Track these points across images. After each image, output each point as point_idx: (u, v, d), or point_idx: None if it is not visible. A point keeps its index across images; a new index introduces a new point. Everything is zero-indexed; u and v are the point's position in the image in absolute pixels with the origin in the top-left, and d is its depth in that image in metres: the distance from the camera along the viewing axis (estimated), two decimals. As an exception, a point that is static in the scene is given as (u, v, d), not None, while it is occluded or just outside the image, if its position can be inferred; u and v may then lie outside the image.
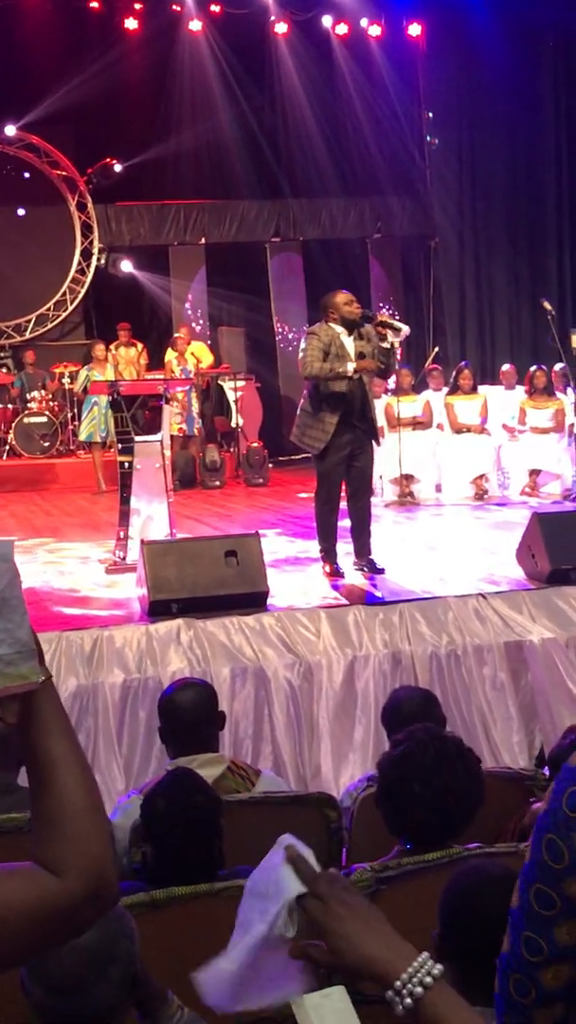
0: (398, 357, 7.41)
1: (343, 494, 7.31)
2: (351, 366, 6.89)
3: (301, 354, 7.07)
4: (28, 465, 13.58)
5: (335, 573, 7.14)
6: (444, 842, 2.88)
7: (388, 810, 3.00)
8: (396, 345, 7.07)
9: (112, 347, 13.80)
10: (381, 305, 16.08)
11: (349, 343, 6.98)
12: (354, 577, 7.18)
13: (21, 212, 15.43)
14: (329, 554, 7.23)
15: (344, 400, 6.93)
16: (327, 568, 7.20)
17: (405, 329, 7.05)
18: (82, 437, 13.10)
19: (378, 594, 6.66)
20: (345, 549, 7.43)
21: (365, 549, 7.30)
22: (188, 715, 3.77)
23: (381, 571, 7.19)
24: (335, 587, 6.93)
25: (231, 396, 13.80)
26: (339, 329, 7.01)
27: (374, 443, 7.31)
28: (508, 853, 2.73)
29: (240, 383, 13.79)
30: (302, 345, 7.15)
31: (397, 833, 2.99)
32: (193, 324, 14.95)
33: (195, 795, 3.01)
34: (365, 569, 7.22)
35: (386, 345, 6.96)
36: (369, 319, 7.07)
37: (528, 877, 1.61)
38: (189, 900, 2.71)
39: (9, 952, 1.32)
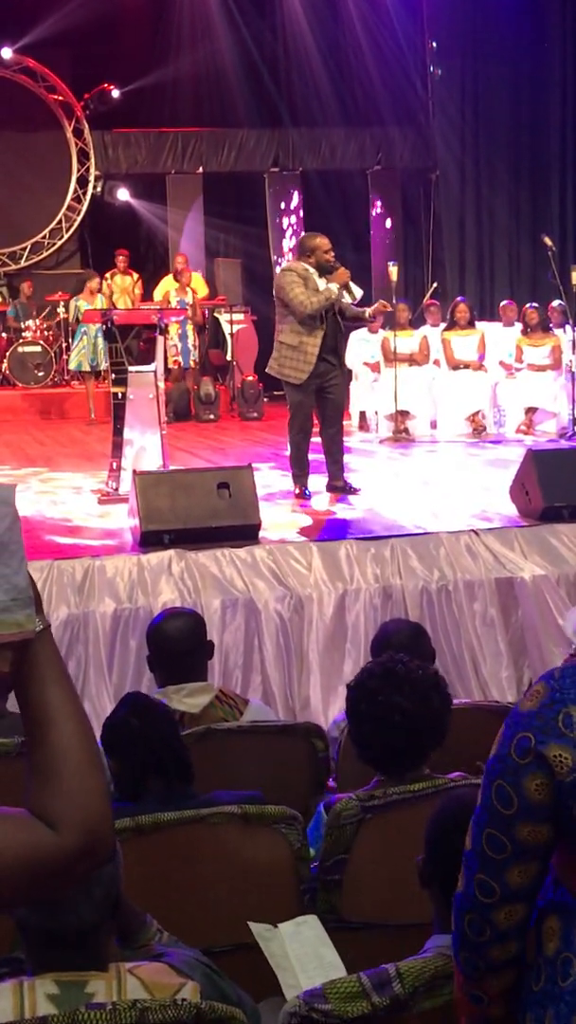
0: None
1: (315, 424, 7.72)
2: (333, 285, 7.28)
3: (280, 291, 7.40)
4: (22, 395, 13.51)
5: (302, 495, 7.53)
6: (406, 764, 2.88)
7: (352, 735, 3.03)
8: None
9: (108, 275, 13.65)
10: (388, 239, 15.93)
11: (321, 284, 7.34)
12: (322, 500, 7.55)
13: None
14: (299, 479, 7.62)
15: (323, 332, 7.30)
16: (296, 490, 7.60)
17: (358, 295, 7.49)
18: (71, 366, 13.08)
19: (344, 516, 7.07)
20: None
21: (339, 472, 7.72)
22: (176, 644, 3.78)
23: (356, 491, 7.64)
24: (303, 507, 7.36)
25: (227, 329, 13.69)
26: (312, 271, 7.36)
27: (364, 380, 7.73)
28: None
29: (236, 316, 13.67)
30: (280, 282, 7.50)
31: (360, 757, 3.01)
32: (188, 255, 14.77)
33: (154, 706, 3.08)
34: (341, 490, 7.63)
35: (348, 301, 7.44)
36: (331, 271, 7.37)
37: (479, 821, 1.64)
38: (174, 826, 2.72)
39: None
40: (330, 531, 6.61)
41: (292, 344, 7.34)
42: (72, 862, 1.31)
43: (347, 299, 7.41)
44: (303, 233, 7.74)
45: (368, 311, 7.77)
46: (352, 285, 7.44)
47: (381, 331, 11.49)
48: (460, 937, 1.68)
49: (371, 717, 2.88)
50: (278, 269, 15.47)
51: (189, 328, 12.82)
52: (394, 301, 11.61)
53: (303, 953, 2.54)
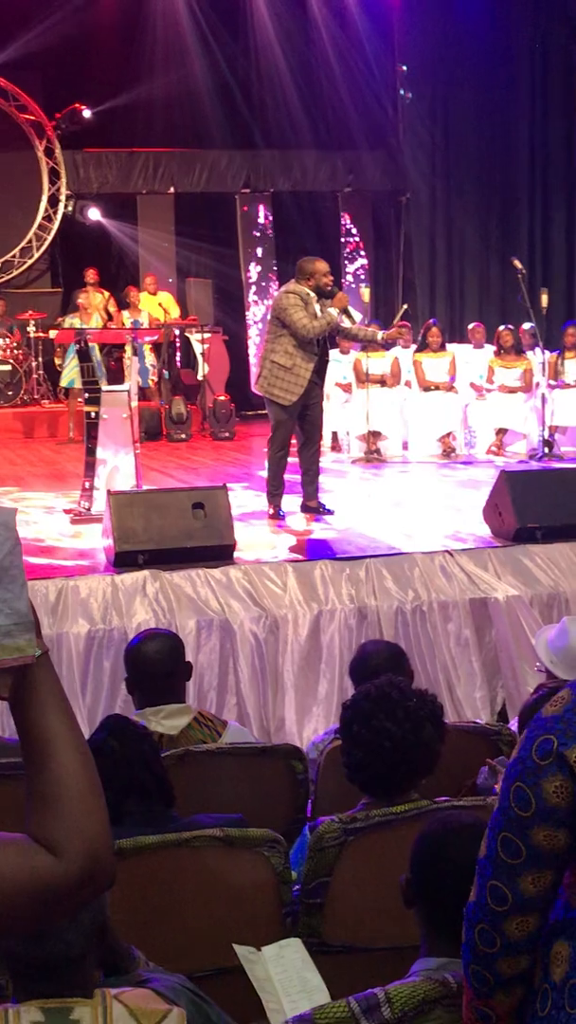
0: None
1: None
2: (334, 311, 7.38)
3: (283, 313, 7.36)
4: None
5: (276, 515, 7.58)
6: (392, 788, 2.88)
7: (343, 756, 3.02)
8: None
9: (79, 293, 13.62)
10: (353, 265, 16.00)
11: (318, 309, 7.42)
12: (297, 521, 7.59)
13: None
14: (274, 498, 7.66)
15: (318, 357, 7.44)
16: (271, 510, 7.63)
17: (357, 319, 7.79)
18: (63, 383, 13.02)
19: (320, 536, 7.15)
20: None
21: (314, 492, 7.80)
22: (155, 665, 3.76)
23: (330, 512, 7.69)
24: (279, 527, 7.42)
25: (198, 348, 13.69)
26: (312, 294, 7.44)
27: (338, 401, 7.83)
28: (477, 807, 2.75)
29: (207, 335, 13.68)
30: (281, 303, 7.45)
31: (350, 779, 3.00)
32: (154, 276, 14.77)
33: (134, 728, 3.06)
34: (315, 510, 7.70)
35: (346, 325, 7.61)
36: (330, 295, 7.45)
37: (495, 825, 1.63)
38: (156, 849, 2.70)
39: None
40: (305, 551, 6.61)
41: (286, 365, 7.37)
42: (74, 889, 1.29)
43: (346, 323, 7.54)
44: (303, 257, 7.81)
45: (382, 335, 8.04)
46: (351, 309, 7.60)
47: (353, 352, 11.52)
48: (470, 949, 1.67)
49: (362, 740, 2.87)
50: (280, 292, 15.57)
51: (146, 348, 12.80)
52: (366, 323, 11.68)
53: (286, 977, 2.53)
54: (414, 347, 11.80)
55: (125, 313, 13.21)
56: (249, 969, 2.52)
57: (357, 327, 7.63)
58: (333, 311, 7.36)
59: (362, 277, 15.86)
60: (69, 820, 1.29)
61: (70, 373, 12.64)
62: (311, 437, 7.69)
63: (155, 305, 13.57)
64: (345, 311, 7.50)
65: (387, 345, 11.27)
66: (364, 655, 3.94)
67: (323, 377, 7.67)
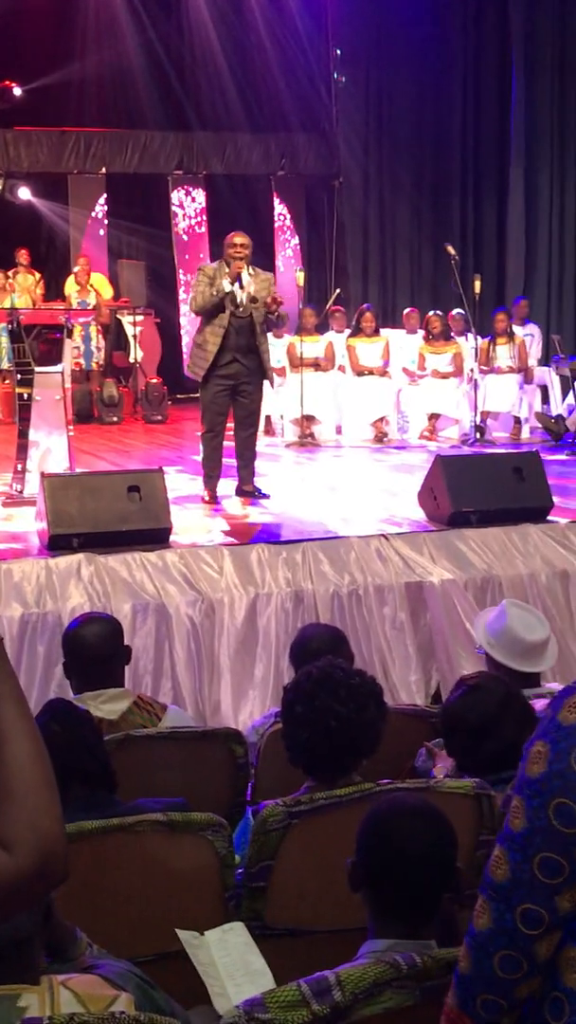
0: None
1: (229, 426, 7.71)
2: (226, 283, 7.26)
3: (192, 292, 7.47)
4: None
5: (212, 500, 7.51)
6: (336, 769, 2.89)
7: (284, 737, 3.01)
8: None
9: (10, 274, 13.44)
10: (287, 248, 15.96)
11: (239, 287, 7.30)
12: (233, 504, 7.54)
13: None
14: (208, 481, 7.60)
15: (226, 330, 7.27)
16: (206, 494, 7.56)
17: (246, 282, 7.36)
18: None
19: (255, 519, 7.12)
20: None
21: (249, 476, 7.73)
22: (94, 650, 3.73)
23: (265, 496, 7.64)
24: (214, 511, 7.34)
25: (130, 331, 13.58)
26: (226, 268, 7.35)
27: (267, 383, 7.71)
28: (420, 788, 2.76)
29: (140, 318, 13.58)
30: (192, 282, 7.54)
31: (292, 761, 3.00)
32: (91, 256, 14.63)
33: (76, 713, 3.05)
34: (250, 495, 7.65)
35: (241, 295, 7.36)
36: (254, 300, 7.35)
37: (525, 846, 1.53)
38: (99, 834, 2.68)
39: None
40: (241, 535, 6.59)
41: (198, 342, 7.44)
42: (26, 884, 1.27)
43: (239, 293, 7.31)
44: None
45: (225, 286, 7.41)
46: (244, 276, 7.35)
47: (287, 336, 11.51)
48: (486, 978, 1.57)
49: (306, 720, 2.87)
50: (179, 272, 15.47)
51: (92, 330, 12.71)
52: (300, 306, 11.67)
53: (230, 961, 2.52)
54: (348, 332, 11.82)
55: (73, 293, 13.05)
56: (192, 954, 2.51)
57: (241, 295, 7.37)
58: (225, 282, 7.28)
59: (295, 261, 15.83)
60: (22, 814, 1.26)
61: None
62: (244, 421, 7.62)
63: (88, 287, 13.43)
64: (236, 279, 7.31)
65: (286, 327, 11.25)
66: (304, 638, 3.94)
67: (261, 359, 7.48)
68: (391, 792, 2.60)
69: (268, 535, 6.56)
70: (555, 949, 1.56)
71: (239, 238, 7.45)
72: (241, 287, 7.31)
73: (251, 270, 7.43)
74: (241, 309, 7.31)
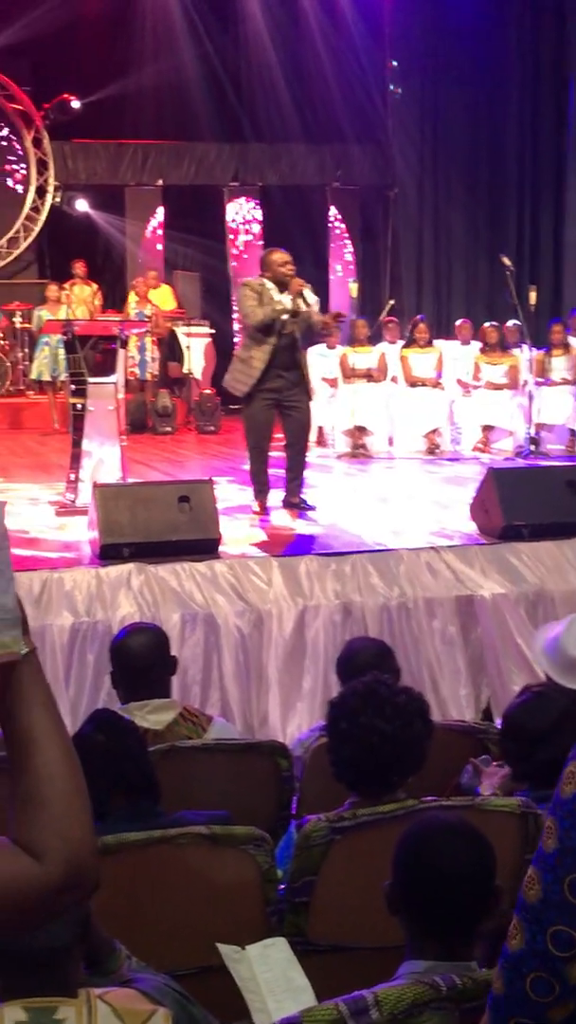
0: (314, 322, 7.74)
1: (274, 441, 7.69)
2: (287, 298, 7.26)
3: (238, 305, 7.63)
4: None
5: (262, 511, 7.51)
6: (380, 786, 2.86)
7: (330, 752, 3.00)
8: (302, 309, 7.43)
9: (67, 285, 13.57)
10: (341, 260, 15.97)
11: (279, 298, 7.31)
12: (282, 516, 7.51)
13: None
14: (258, 495, 7.62)
15: (274, 348, 7.28)
16: (256, 506, 7.57)
17: (312, 301, 7.40)
18: (32, 376, 13.03)
19: (305, 531, 7.10)
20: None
21: (297, 489, 7.71)
22: (140, 660, 3.73)
23: (311, 508, 7.62)
24: (262, 523, 7.33)
25: (184, 342, 13.65)
26: (270, 285, 7.36)
27: (320, 396, 7.69)
28: (464, 807, 2.73)
29: (194, 329, 13.64)
30: (237, 297, 7.53)
31: (337, 777, 2.98)
32: (147, 267, 14.73)
33: (121, 723, 3.05)
34: (296, 507, 7.62)
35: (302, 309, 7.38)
36: (287, 284, 7.35)
37: (557, 866, 1.51)
38: (141, 846, 2.67)
39: None
40: (290, 547, 6.58)
41: (242, 357, 7.42)
42: (56, 893, 1.26)
43: (303, 307, 7.36)
44: (267, 249, 7.73)
45: (286, 301, 7.37)
46: (307, 293, 7.40)
47: (339, 347, 11.50)
48: (518, 1000, 1.55)
49: (350, 737, 2.85)
50: (239, 285, 15.52)
51: (148, 341, 12.78)
52: (353, 317, 11.66)
53: (271, 976, 2.51)
54: (401, 342, 11.78)
55: (132, 304, 13.16)
56: (233, 968, 2.50)
57: (307, 311, 7.38)
58: (285, 298, 7.28)
59: (350, 272, 15.83)
60: (52, 823, 1.26)
61: (39, 366, 12.62)
62: (294, 435, 7.60)
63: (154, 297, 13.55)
64: (299, 295, 7.32)
65: (337, 337, 11.26)
66: (351, 652, 3.92)
67: (302, 374, 7.50)
68: (428, 811, 2.57)
69: (318, 547, 6.54)
70: None
71: (285, 256, 7.49)
72: (305, 303, 7.35)
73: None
74: (288, 321, 7.33)
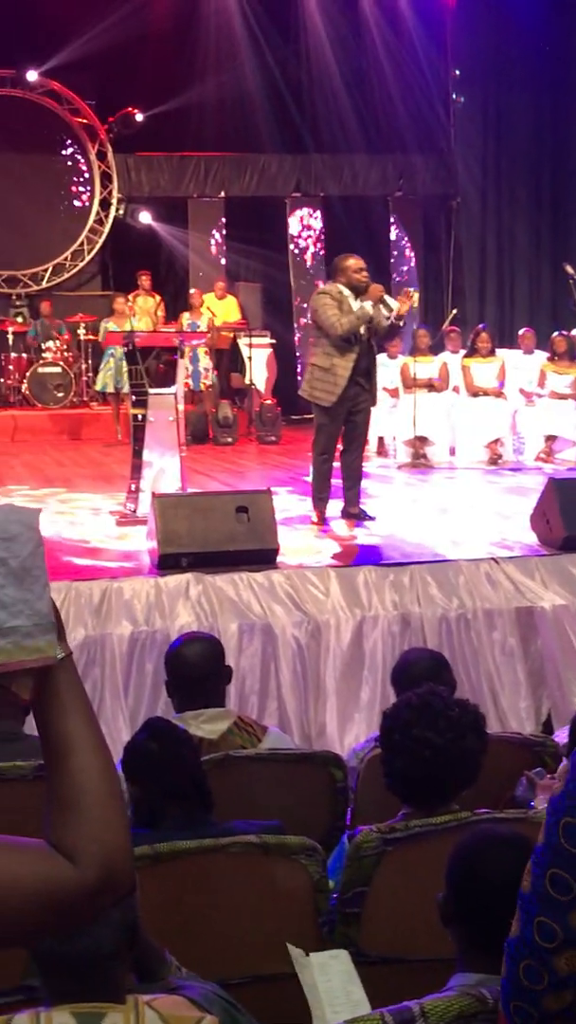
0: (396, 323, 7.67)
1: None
2: (368, 305, 7.24)
3: (315, 314, 7.45)
4: (42, 415, 13.53)
5: (321, 521, 7.51)
6: (433, 798, 2.84)
7: (383, 764, 2.99)
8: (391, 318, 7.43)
9: (130, 297, 13.69)
10: (403, 269, 15.95)
11: (356, 305, 7.30)
12: (340, 526, 7.52)
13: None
14: (319, 503, 7.59)
15: (357, 355, 7.27)
16: (315, 516, 7.56)
17: (394, 307, 7.39)
18: (97, 387, 13.18)
19: (363, 542, 7.10)
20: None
21: (355, 498, 7.69)
22: (195, 669, 3.75)
23: (371, 518, 7.59)
24: (323, 531, 7.35)
25: (245, 352, 13.71)
26: (347, 292, 7.33)
27: (383, 405, 7.70)
28: (518, 819, 2.71)
29: (256, 339, 13.69)
30: (314, 304, 7.51)
31: (390, 788, 2.97)
32: (208, 278, 14.82)
33: (175, 732, 3.06)
34: (356, 517, 7.60)
35: (385, 315, 7.35)
36: (363, 290, 7.34)
37: (542, 860, 1.56)
38: (193, 854, 2.68)
39: (12, 930, 1.27)
40: (349, 557, 6.58)
41: (324, 367, 7.34)
42: (90, 897, 1.27)
43: (384, 313, 7.34)
44: (336, 256, 7.74)
45: (392, 315, 7.43)
46: (387, 298, 7.40)
47: (401, 356, 11.48)
48: (513, 985, 1.60)
49: (403, 749, 2.84)
50: (314, 294, 15.54)
51: (200, 351, 12.81)
52: (415, 327, 11.63)
53: (331, 987, 2.51)
54: (463, 352, 11.73)
55: (185, 315, 13.25)
56: (299, 972, 2.50)
57: (381, 323, 7.34)
58: (367, 304, 7.26)
59: (411, 282, 15.80)
60: (87, 827, 1.27)
61: (104, 377, 12.74)
62: (354, 442, 7.62)
63: (214, 308, 13.62)
64: (380, 301, 7.32)
65: (400, 347, 11.24)
66: (406, 663, 3.90)
67: (373, 381, 7.53)
68: (482, 823, 2.55)
69: (376, 557, 6.53)
70: None
71: (360, 261, 7.48)
72: (388, 308, 7.33)
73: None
74: (364, 332, 7.31)
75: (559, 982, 1.55)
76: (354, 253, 7.75)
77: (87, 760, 1.29)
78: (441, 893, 2.17)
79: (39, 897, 1.25)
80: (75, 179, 15.39)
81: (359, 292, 7.31)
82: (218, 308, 13.78)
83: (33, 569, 1.27)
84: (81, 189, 15.40)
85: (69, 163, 15.40)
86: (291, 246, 15.73)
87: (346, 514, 7.65)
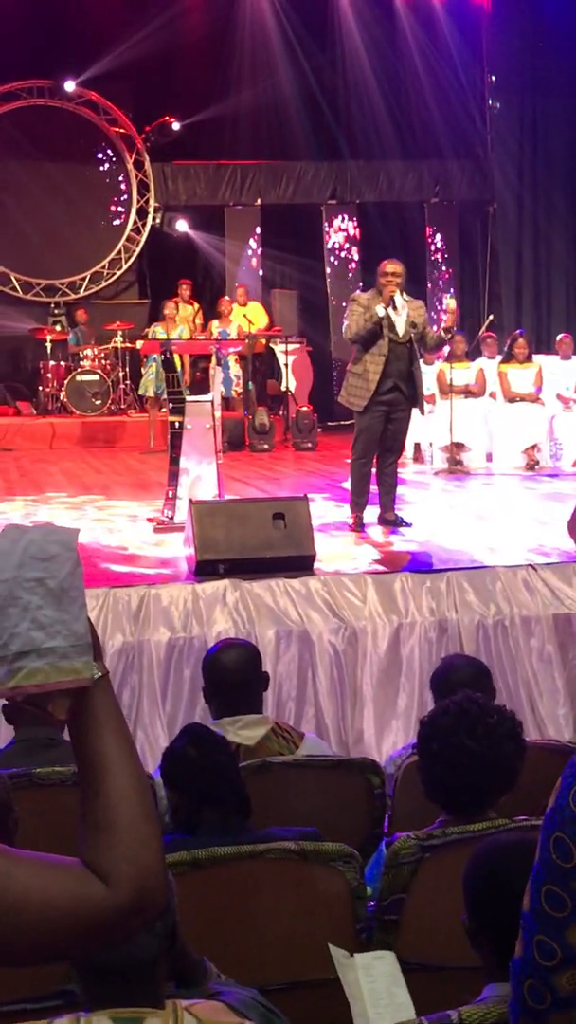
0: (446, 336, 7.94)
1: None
2: (379, 308, 7.23)
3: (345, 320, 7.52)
4: (79, 423, 13.62)
5: (358, 526, 7.51)
6: (471, 805, 2.84)
7: (420, 771, 2.98)
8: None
9: (170, 304, 13.75)
10: (445, 271, 15.92)
11: (393, 311, 7.29)
12: (376, 532, 7.50)
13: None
14: (357, 507, 7.59)
15: (387, 358, 7.28)
16: (352, 519, 7.57)
17: (399, 304, 7.34)
18: (140, 391, 13.26)
19: (400, 548, 7.07)
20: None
21: (391, 504, 7.69)
22: (232, 675, 3.76)
23: (408, 525, 7.57)
24: (360, 538, 7.34)
25: (282, 359, 13.73)
26: (376, 296, 7.37)
27: (417, 410, 7.75)
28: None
29: (292, 346, 13.72)
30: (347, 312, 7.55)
31: (428, 795, 2.96)
32: (246, 286, 14.86)
33: (213, 738, 3.07)
34: (392, 523, 7.58)
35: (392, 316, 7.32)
36: (414, 325, 7.38)
37: (538, 878, 1.55)
38: (231, 860, 2.69)
39: (44, 949, 1.27)
40: (386, 564, 6.57)
41: (357, 372, 7.41)
42: (123, 918, 1.27)
43: (394, 317, 7.30)
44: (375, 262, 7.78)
45: (379, 311, 7.32)
46: (396, 298, 7.32)
47: (437, 362, 11.46)
48: (521, 1005, 1.58)
49: (440, 756, 2.84)
50: (331, 301, 15.57)
51: (231, 359, 12.83)
52: (451, 336, 11.59)
53: (375, 988, 2.51)
54: (499, 358, 11.70)
55: (215, 323, 13.30)
56: (341, 972, 2.50)
57: (430, 336, 7.43)
58: (379, 308, 7.26)
59: (448, 288, 15.77)
60: (121, 848, 1.27)
61: (146, 382, 12.81)
62: (390, 448, 7.62)
63: (241, 316, 13.63)
64: (390, 304, 7.28)
65: (441, 354, 11.20)
66: (447, 669, 3.89)
67: (416, 388, 7.48)
68: (491, 836, 2.53)
69: (416, 564, 6.52)
70: None
71: (391, 266, 7.46)
72: (395, 311, 7.30)
73: (404, 297, 7.42)
74: (400, 335, 7.31)
75: (562, 1001, 1.53)
76: (394, 258, 7.75)
77: (122, 781, 1.30)
78: (465, 915, 2.16)
79: (72, 917, 1.25)
80: (112, 188, 15.48)
81: (390, 299, 7.33)
82: (244, 314, 13.79)
83: (71, 590, 1.27)
84: (118, 198, 15.49)
85: (106, 172, 15.50)
86: (327, 254, 15.74)
87: (382, 520, 7.66)
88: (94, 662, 1.30)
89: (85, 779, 1.32)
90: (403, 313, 7.33)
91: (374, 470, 7.69)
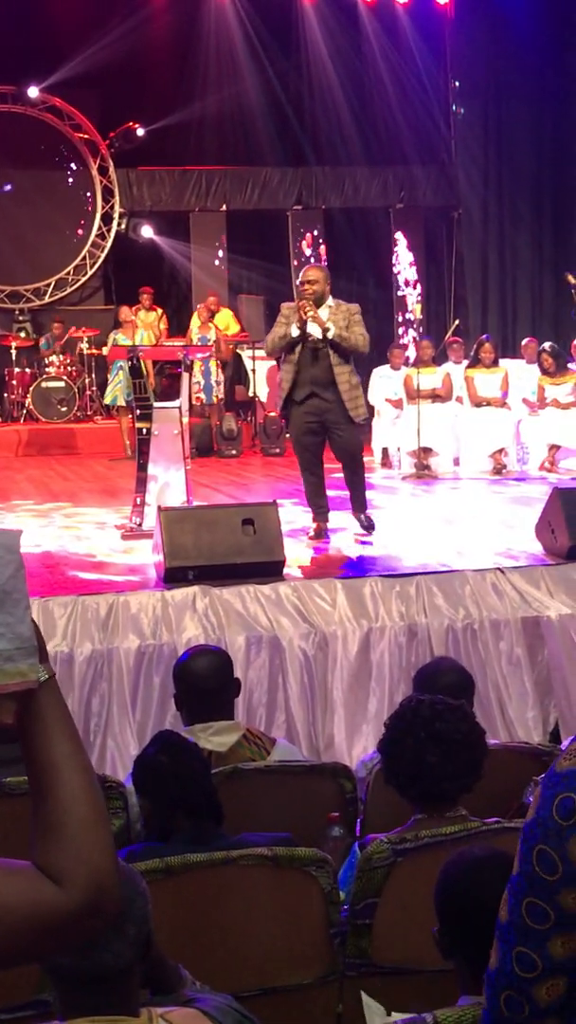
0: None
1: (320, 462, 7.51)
2: (294, 329, 7.08)
3: None
4: (46, 430, 13.57)
5: (318, 534, 7.36)
6: (437, 801, 2.85)
7: (384, 770, 3.00)
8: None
9: (133, 311, 13.74)
10: (407, 283, 15.98)
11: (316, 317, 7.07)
12: (346, 537, 7.41)
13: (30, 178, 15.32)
14: (317, 515, 7.48)
15: (297, 364, 7.14)
16: (314, 528, 7.43)
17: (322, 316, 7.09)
18: (107, 400, 13.19)
19: (369, 552, 6.95)
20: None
21: (360, 505, 7.53)
22: (204, 681, 3.76)
23: (372, 528, 7.42)
24: (316, 550, 7.14)
25: (249, 365, 13.73)
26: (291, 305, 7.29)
27: (353, 419, 7.20)
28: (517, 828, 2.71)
29: (259, 352, 13.72)
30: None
31: (401, 794, 2.98)
32: (213, 293, 14.85)
33: (185, 745, 3.08)
34: (362, 525, 7.46)
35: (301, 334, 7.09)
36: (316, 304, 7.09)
37: (517, 890, 1.54)
38: (204, 867, 2.69)
39: (2, 953, 1.26)
40: (354, 568, 6.59)
41: (279, 380, 7.41)
42: (77, 919, 1.27)
43: (313, 330, 7.06)
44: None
45: (293, 332, 7.14)
46: (320, 312, 7.08)
47: (403, 368, 11.50)
48: (495, 1016, 1.57)
49: (402, 757, 2.85)
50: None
51: (212, 365, 12.86)
52: (417, 338, 11.67)
53: None
54: (466, 362, 11.76)
55: (194, 329, 13.27)
56: (369, 1019, 2.50)
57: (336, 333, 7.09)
58: (294, 328, 7.10)
59: (414, 293, 15.84)
60: (73, 849, 1.27)
61: (113, 390, 12.75)
62: (344, 462, 7.40)
63: (211, 324, 13.63)
64: (304, 324, 7.03)
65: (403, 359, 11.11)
66: (435, 670, 3.91)
67: (338, 397, 7.10)
68: (462, 847, 2.55)
69: (382, 568, 6.53)
70: (565, 997, 1.54)
71: (310, 272, 7.27)
72: (305, 328, 7.04)
73: (331, 302, 7.19)
74: (310, 340, 7.08)
75: (540, 1012, 1.53)
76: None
77: (72, 781, 1.29)
78: (435, 927, 2.17)
79: (27, 920, 1.24)
80: (77, 194, 15.44)
81: (318, 302, 7.12)
82: (215, 321, 13.79)
83: (14, 592, 1.26)
84: (83, 204, 15.45)
85: (71, 178, 15.46)
86: (293, 259, 15.76)
87: (354, 516, 7.55)
88: (40, 664, 1.29)
89: (35, 782, 1.31)
90: (318, 322, 7.07)
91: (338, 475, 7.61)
